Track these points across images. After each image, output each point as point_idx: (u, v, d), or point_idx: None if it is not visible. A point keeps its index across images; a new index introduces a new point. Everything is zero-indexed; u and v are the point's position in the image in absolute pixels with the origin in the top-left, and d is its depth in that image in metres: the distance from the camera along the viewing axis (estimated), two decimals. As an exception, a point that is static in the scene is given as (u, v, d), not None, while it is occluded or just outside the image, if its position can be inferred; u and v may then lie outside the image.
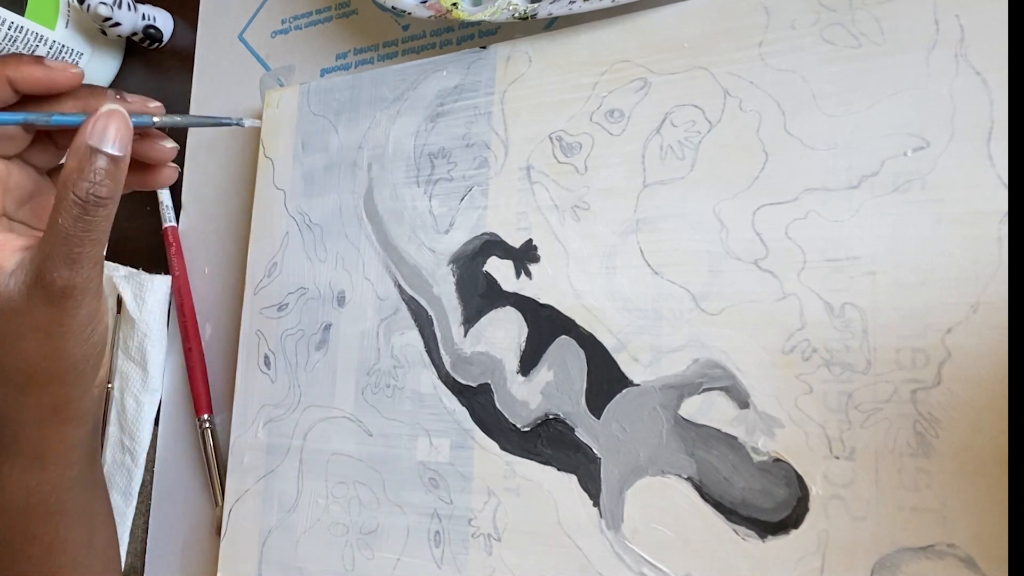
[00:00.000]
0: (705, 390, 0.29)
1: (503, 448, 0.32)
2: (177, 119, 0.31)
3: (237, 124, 0.33)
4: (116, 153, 0.27)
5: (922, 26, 0.27)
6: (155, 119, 0.30)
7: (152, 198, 0.46)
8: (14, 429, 0.29)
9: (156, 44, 0.50)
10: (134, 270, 0.44)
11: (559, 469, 0.31)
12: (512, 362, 0.32)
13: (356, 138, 0.38)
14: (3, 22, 0.45)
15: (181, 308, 0.43)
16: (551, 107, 0.33)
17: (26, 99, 0.29)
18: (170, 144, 0.31)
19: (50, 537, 0.31)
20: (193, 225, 0.45)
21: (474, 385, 0.33)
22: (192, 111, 0.47)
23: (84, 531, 0.33)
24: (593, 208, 0.32)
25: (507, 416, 0.32)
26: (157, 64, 0.50)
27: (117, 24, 0.47)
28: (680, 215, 0.30)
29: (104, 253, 0.28)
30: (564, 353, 0.31)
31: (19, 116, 0.28)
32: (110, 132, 0.27)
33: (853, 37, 0.28)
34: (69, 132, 0.29)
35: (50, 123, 0.28)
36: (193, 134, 0.46)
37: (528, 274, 0.33)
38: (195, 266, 0.44)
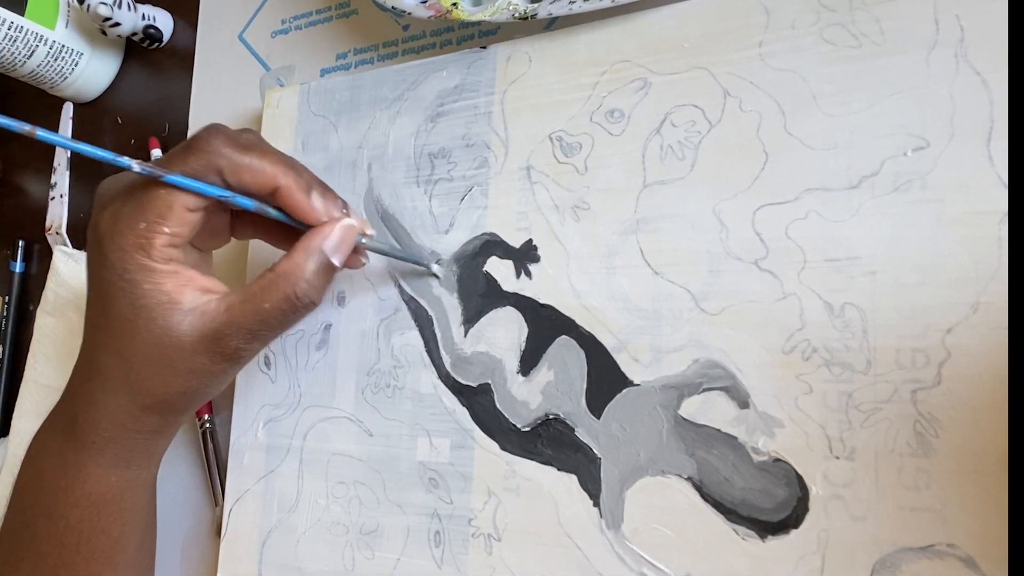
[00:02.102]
0: (705, 390, 0.29)
1: (503, 448, 0.32)
2: (380, 247, 0.33)
3: (426, 268, 0.35)
4: (338, 265, 0.29)
5: (922, 26, 0.27)
6: (363, 240, 0.31)
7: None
8: (114, 435, 0.30)
9: (156, 44, 0.50)
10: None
11: (559, 469, 0.31)
12: (512, 362, 0.32)
13: (356, 138, 0.38)
14: (3, 22, 0.45)
15: (181, 308, 0.43)
16: (551, 107, 0.33)
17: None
18: (365, 260, 0.33)
19: (116, 533, 0.32)
20: (193, 225, 0.45)
21: (474, 385, 0.33)
22: (192, 111, 0.47)
23: (142, 530, 0.34)
24: (593, 208, 0.32)
25: (507, 416, 0.32)
26: (157, 64, 0.50)
27: (117, 24, 0.47)
28: (680, 215, 0.30)
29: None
30: (564, 353, 0.31)
31: (253, 204, 0.29)
32: (343, 245, 0.29)
33: (853, 37, 0.28)
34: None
35: (281, 219, 0.30)
36: (194, 121, 0.47)
37: (528, 274, 0.33)
38: (195, 266, 0.44)
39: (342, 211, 0.30)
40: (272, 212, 0.29)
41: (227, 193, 0.28)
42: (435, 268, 0.35)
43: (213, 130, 0.28)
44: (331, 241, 0.28)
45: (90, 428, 0.30)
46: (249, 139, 0.29)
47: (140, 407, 0.30)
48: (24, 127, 0.24)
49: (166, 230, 0.28)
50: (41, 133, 0.24)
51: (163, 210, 0.27)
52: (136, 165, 0.26)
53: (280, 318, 0.28)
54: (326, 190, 0.30)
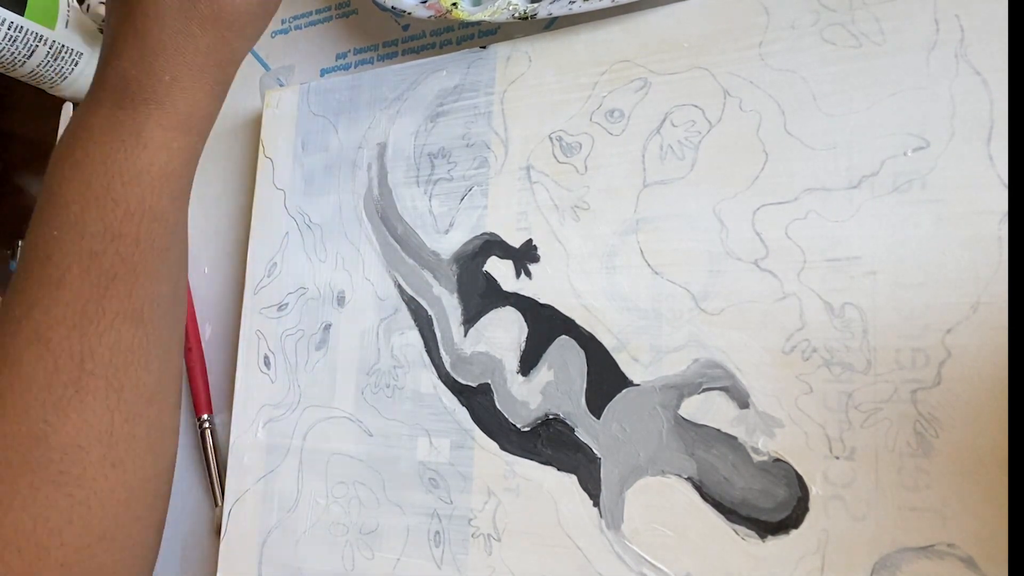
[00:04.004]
0: (705, 390, 0.29)
1: (503, 448, 0.32)
2: None
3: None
4: None
5: (922, 26, 0.27)
6: None
7: None
8: (174, 74, 0.27)
9: (156, 44, 0.50)
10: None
11: (559, 469, 0.31)
12: (512, 362, 0.32)
13: (356, 138, 0.38)
14: (3, 22, 0.45)
15: (181, 308, 0.43)
16: (551, 107, 0.33)
17: None
18: None
19: (174, 219, 0.29)
20: (193, 225, 0.45)
21: (474, 385, 0.33)
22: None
23: (184, 244, 0.31)
24: (593, 208, 0.32)
25: (507, 416, 0.32)
26: (157, 64, 0.50)
27: (117, 24, 0.47)
28: (680, 215, 0.30)
29: None
30: (564, 353, 0.31)
31: None
32: None
33: (853, 37, 0.28)
34: None
35: None
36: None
37: (528, 274, 0.33)
38: (195, 266, 0.44)
39: None
40: None
41: None
42: None
43: None
44: None
45: (145, 75, 0.27)
46: None
47: (198, 24, 0.27)
48: None
49: None
50: None
51: None
52: None
53: None
54: None
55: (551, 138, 0.33)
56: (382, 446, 0.35)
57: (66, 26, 0.48)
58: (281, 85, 0.44)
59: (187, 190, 0.30)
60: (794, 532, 0.26)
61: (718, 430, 0.28)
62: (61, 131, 0.52)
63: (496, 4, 0.33)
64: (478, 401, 0.33)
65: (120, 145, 0.27)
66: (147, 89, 0.27)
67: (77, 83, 0.50)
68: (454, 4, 0.33)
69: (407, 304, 0.35)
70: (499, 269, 0.33)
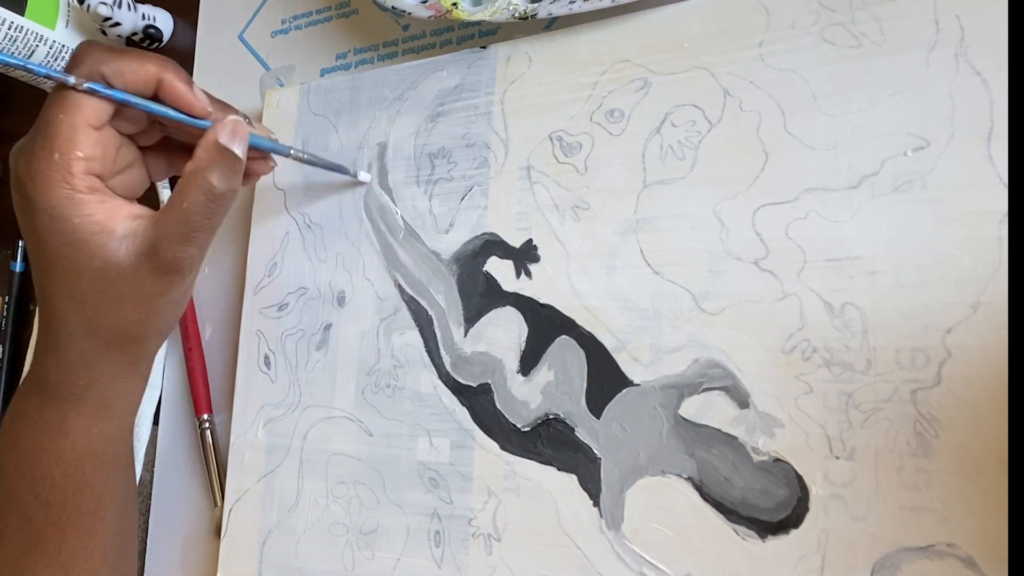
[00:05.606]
0: (705, 390, 0.29)
1: (503, 448, 0.32)
2: (304, 156, 0.34)
3: (352, 176, 0.37)
4: (239, 154, 0.29)
5: (922, 26, 0.27)
6: (292, 150, 0.33)
7: (152, 197, 0.46)
8: (88, 380, 0.30)
9: (156, 44, 0.50)
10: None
11: (559, 469, 0.31)
12: (512, 362, 0.32)
13: (356, 138, 0.38)
14: (3, 22, 0.45)
15: (181, 308, 0.43)
16: (551, 107, 0.33)
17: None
18: (272, 163, 0.35)
19: (101, 486, 0.33)
20: (193, 225, 0.45)
21: (474, 385, 0.33)
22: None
23: (127, 483, 0.35)
24: (593, 208, 0.32)
25: (507, 416, 0.32)
26: (157, 64, 0.50)
27: (117, 24, 0.47)
28: (680, 215, 0.30)
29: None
30: (564, 353, 0.31)
31: (161, 109, 0.29)
32: (237, 136, 0.30)
33: (853, 37, 0.28)
34: (183, 128, 0.31)
35: (180, 120, 0.30)
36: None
37: (528, 274, 0.33)
38: (195, 266, 0.44)
39: (228, 109, 0.31)
40: (171, 113, 0.30)
41: (133, 98, 0.29)
42: (362, 175, 0.36)
43: (86, 44, 0.29)
44: (225, 132, 0.29)
45: (63, 381, 0.30)
46: (124, 47, 0.30)
47: (103, 345, 0.30)
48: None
49: (79, 154, 0.28)
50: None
51: (70, 134, 0.28)
52: (47, 70, 0.27)
53: (204, 213, 0.29)
54: (226, 104, 0.31)
55: (551, 138, 0.33)
56: (382, 446, 0.35)
57: (66, 26, 0.48)
58: (281, 85, 0.44)
59: (115, 459, 0.33)
60: (794, 532, 0.26)
61: (718, 430, 0.28)
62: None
63: (496, 4, 0.33)
64: (478, 401, 0.33)
65: (46, 433, 0.31)
66: (66, 389, 0.31)
67: (77, 83, 0.50)
68: (454, 4, 0.33)
69: (407, 304, 0.35)
70: (499, 269, 0.33)
